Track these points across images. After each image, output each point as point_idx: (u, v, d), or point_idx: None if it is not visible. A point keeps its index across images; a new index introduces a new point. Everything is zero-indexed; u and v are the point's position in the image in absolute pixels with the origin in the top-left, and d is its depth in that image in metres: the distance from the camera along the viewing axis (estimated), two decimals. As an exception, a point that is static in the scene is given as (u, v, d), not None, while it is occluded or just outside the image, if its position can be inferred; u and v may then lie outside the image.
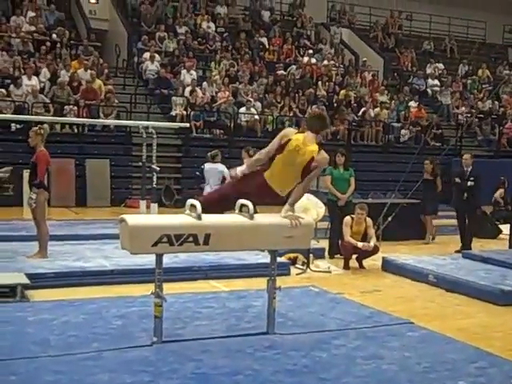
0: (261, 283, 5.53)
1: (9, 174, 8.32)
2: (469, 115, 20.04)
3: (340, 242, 9.08)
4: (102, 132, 15.37)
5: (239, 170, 5.19)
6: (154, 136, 11.60)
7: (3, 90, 14.64)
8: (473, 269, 8.15)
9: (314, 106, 17.80)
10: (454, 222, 10.56)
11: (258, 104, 17.48)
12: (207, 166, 10.70)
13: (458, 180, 10.26)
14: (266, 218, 5.21)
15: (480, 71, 23.06)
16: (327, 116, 5.69)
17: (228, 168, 10.75)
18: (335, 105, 18.71)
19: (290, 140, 5.03)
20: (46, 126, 8.34)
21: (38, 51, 16.82)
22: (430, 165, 11.18)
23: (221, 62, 18.81)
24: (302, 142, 5.04)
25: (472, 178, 10.09)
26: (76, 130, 15.17)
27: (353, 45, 22.78)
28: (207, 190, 10.40)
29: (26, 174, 9.96)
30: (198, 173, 10.68)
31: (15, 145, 13.77)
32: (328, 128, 5.10)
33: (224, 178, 10.60)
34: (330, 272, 8.50)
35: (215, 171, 10.59)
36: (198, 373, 4.22)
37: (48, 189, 8.01)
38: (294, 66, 19.80)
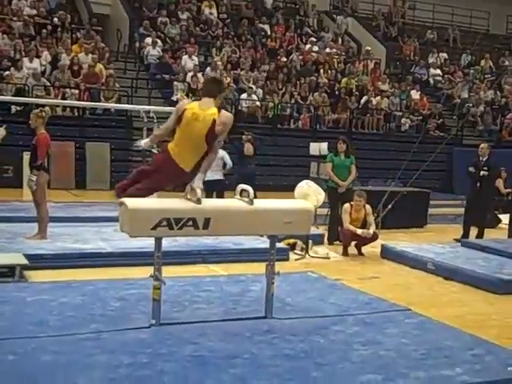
0: (259, 268, 5.53)
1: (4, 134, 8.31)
2: (471, 105, 20.01)
3: (339, 228, 9.09)
4: (103, 116, 15.35)
5: (143, 142, 5.19)
6: (155, 120, 11.58)
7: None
8: (471, 257, 8.17)
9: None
10: (454, 210, 10.56)
11: (260, 91, 17.44)
12: None
13: (471, 169, 10.15)
14: (266, 203, 5.21)
15: (483, 61, 22.98)
16: (222, 80, 5.48)
17: (229, 153, 10.78)
18: (337, 92, 18.67)
19: (185, 110, 4.84)
20: (47, 108, 8.33)
21: (39, 34, 16.76)
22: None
23: (223, 48, 18.74)
24: (199, 108, 4.83)
25: (486, 168, 10.02)
26: (77, 113, 15.15)
27: (355, 33, 22.69)
28: (208, 175, 10.36)
29: (25, 156, 9.96)
30: None
31: (15, 127, 13.71)
32: (224, 91, 4.95)
33: (225, 164, 10.58)
34: (328, 258, 8.52)
35: (218, 157, 10.55)
36: (195, 355, 4.23)
37: (48, 171, 8.00)
38: (295, 54, 19.73)
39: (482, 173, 10.00)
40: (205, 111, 4.81)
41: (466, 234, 10.01)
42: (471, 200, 10.24)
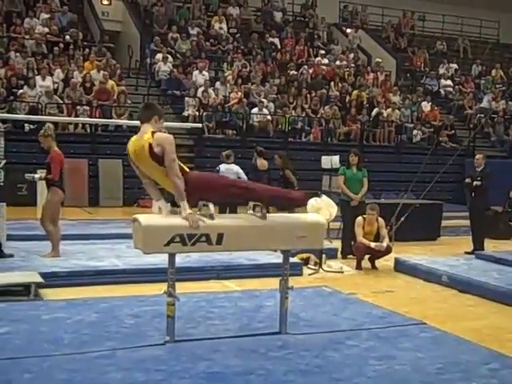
0: (273, 283, 5.53)
1: (37, 179, 8.46)
2: (482, 116, 19.95)
3: (352, 242, 9.07)
4: (115, 132, 15.44)
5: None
6: (167, 136, 11.61)
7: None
8: (486, 269, 8.11)
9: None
10: (467, 222, 10.52)
11: (271, 104, 17.49)
12: (223, 167, 10.70)
13: (467, 180, 10.26)
14: (279, 218, 5.21)
15: (493, 71, 22.93)
16: (153, 103, 5.35)
17: (242, 169, 10.80)
18: (348, 105, 18.69)
19: (129, 147, 4.81)
20: (47, 124, 8.36)
21: (52, 52, 16.94)
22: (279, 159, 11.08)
23: (233, 62, 18.84)
24: (136, 139, 4.76)
25: (479, 178, 10.06)
26: (89, 130, 15.26)
27: (365, 45, 22.74)
28: None
29: (40, 174, 10.01)
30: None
31: (29, 145, 13.85)
32: (158, 113, 4.77)
33: (239, 179, 10.62)
34: (342, 272, 8.49)
35: (231, 172, 10.60)
36: (210, 372, 4.23)
37: (64, 190, 8.00)
38: (305, 66, 19.80)
39: (474, 183, 10.05)
40: (141, 139, 4.70)
41: (476, 247, 9.96)
42: (470, 210, 10.33)
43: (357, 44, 22.48)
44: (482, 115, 19.53)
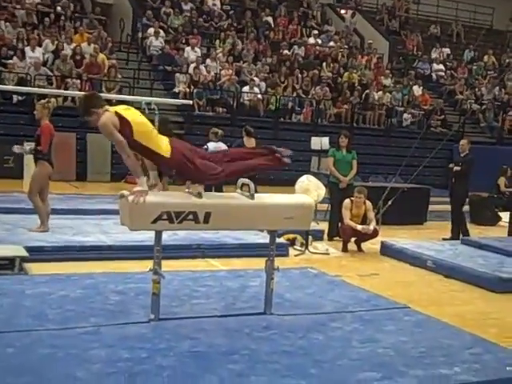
0: (259, 263, 5.52)
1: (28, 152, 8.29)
2: (472, 101, 19.97)
3: (340, 224, 9.08)
4: (104, 106, 15.29)
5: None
6: (157, 112, 11.56)
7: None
8: (471, 255, 8.16)
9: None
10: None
11: (262, 83, 17.40)
12: (211, 145, 10.63)
13: (450, 165, 10.29)
14: (267, 198, 5.19)
15: (486, 57, 22.92)
16: (87, 95, 5.16)
17: (229, 146, 10.75)
18: (340, 87, 18.63)
19: None
20: (53, 99, 8.33)
21: (42, 23, 16.73)
22: None
23: (226, 40, 18.69)
24: None
25: (460, 164, 10.07)
26: (78, 104, 15.11)
27: (359, 27, 22.62)
28: None
29: (27, 146, 9.91)
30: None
31: (17, 116, 13.74)
32: (95, 103, 4.73)
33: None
34: (328, 254, 8.51)
35: (220, 150, 10.53)
36: (194, 351, 4.23)
37: (52, 164, 7.90)
38: (296, 46, 19.68)
39: (454, 168, 10.05)
40: None
41: (453, 234, 9.99)
42: (451, 195, 10.32)
43: (353, 28, 22.35)
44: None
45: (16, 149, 8.40)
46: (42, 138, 7.71)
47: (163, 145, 4.66)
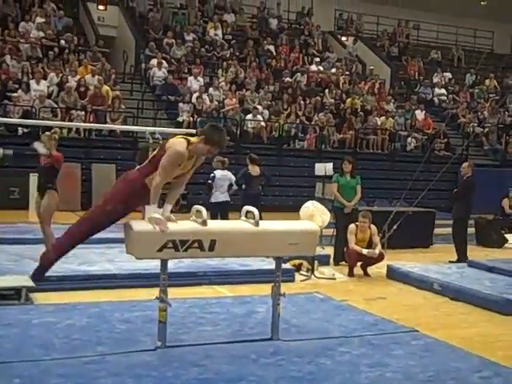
0: (265, 289, 5.52)
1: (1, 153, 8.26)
2: (475, 125, 20.04)
3: (345, 249, 9.07)
4: (109, 137, 15.43)
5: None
6: (161, 142, 11.59)
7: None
8: (478, 278, 8.11)
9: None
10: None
11: (266, 111, 17.51)
12: (218, 173, 10.67)
13: (455, 190, 10.34)
14: (271, 224, 5.20)
15: (487, 81, 23.05)
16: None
17: (234, 174, 10.81)
18: (342, 113, 18.72)
19: None
20: (57, 130, 8.37)
21: (47, 56, 16.92)
22: None
23: (228, 69, 18.86)
24: None
25: (459, 186, 10.11)
26: (83, 135, 15.23)
27: (360, 53, 22.81)
28: (217, 196, 10.44)
29: (32, 177, 9.98)
30: (209, 181, 10.65)
31: (22, 148, 13.81)
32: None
33: (231, 185, 10.61)
34: (334, 279, 8.49)
35: (226, 178, 10.59)
36: (201, 378, 4.21)
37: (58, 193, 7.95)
38: (298, 74, 19.84)
39: (454, 190, 10.05)
40: None
41: (459, 256, 9.97)
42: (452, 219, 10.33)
43: (355, 55, 22.55)
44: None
45: (36, 145, 8.26)
46: (56, 166, 7.74)
47: None
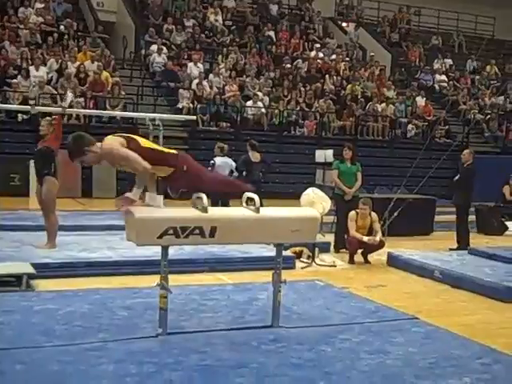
0: (266, 276, 5.52)
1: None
2: (476, 111, 19.99)
3: (346, 236, 9.07)
4: (109, 123, 15.37)
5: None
6: (161, 128, 11.58)
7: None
8: (478, 265, 8.12)
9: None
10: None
11: (266, 98, 17.46)
12: (218, 160, 10.65)
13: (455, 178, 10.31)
14: (272, 211, 5.19)
15: (488, 67, 22.96)
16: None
17: (234, 161, 10.79)
18: (343, 99, 18.67)
19: None
20: (58, 117, 8.36)
21: (46, 42, 16.85)
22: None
23: (228, 55, 18.78)
24: None
25: (459, 173, 10.10)
26: (82, 121, 15.19)
27: (360, 39, 22.72)
28: None
29: (32, 164, 9.96)
30: (210, 168, 10.64)
31: (22, 135, 13.81)
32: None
33: (232, 172, 10.59)
34: (335, 266, 8.50)
35: (226, 165, 10.57)
36: (202, 365, 4.22)
37: (57, 180, 7.93)
38: (299, 60, 19.77)
39: (454, 178, 10.09)
40: None
41: (459, 243, 9.97)
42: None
43: (356, 41, 22.46)
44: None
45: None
46: (53, 136, 7.73)
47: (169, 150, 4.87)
